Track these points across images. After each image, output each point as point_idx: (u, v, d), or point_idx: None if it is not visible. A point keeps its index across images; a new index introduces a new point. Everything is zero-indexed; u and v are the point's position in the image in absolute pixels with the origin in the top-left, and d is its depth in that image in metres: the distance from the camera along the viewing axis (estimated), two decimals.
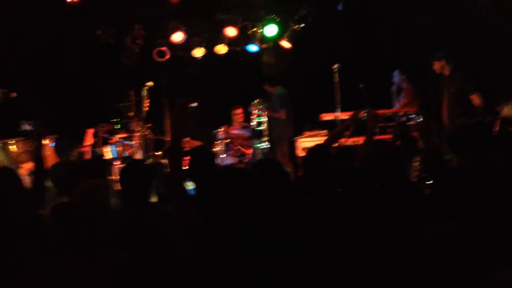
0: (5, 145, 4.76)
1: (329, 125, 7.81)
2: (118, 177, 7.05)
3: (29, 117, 6.71)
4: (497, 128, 5.47)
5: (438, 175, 3.63)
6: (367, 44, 8.42)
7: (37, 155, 3.73)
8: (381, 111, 7.60)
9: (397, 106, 7.99)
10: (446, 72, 6.80)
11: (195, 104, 7.53)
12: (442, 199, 3.30)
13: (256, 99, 8.38)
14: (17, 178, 2.84)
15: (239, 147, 8.23)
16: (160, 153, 8.30)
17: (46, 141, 6.71)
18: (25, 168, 6.44)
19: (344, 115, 7.27)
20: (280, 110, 8.24)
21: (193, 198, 3.36)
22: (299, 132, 8.28)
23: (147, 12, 8.61)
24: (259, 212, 2.61)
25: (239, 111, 8.89)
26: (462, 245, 2.07)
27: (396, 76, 8.17)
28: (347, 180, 3.30)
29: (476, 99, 6.52)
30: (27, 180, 5.15)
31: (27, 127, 6.85)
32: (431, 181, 3.58)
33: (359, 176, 3.32)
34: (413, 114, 7.12)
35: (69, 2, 6.78)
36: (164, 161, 7.71)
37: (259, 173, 3.33)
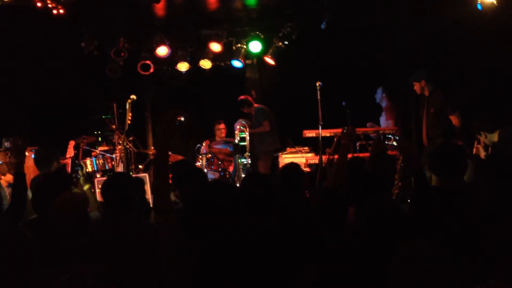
0: None
1: (311, 142, 7.87)
2: (98, 189, 7.03)
3: (10, 130, 6.67)
4: (475, 151, 5.58)
5: (418, 193, 3.68)
6: (350, 61, 8.53)
7: (18, 170, 3.71)
8: (363, 129, 7.69)
9: (384, 126, 8.12)
10: (426, 92, 6.90)
11: (182, 118, 7.59)
12: (420, 217, 3.35)
13: (239, 117, 8.45)
14: None
15: (221, 162, 8.23)
16: (141, 166, 8.28)
17: (26, 153, 6.67)
18: (4, 180, 6.38)
19: (326, 132, 7.34)
20: (262, 122, 8.30)
21: (177, 211, 3.36)
22: (283, 148, 8.34)
23: (132, 25, 8.64)
24: (244, 225, 2.62)
25: (222, 126, 8.92)
26: (437, 261, 2.10)
27: (378, 93, 8.27)
28: (319, 199, 3.33)
29: (455, 119, 6.62)
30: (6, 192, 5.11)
31: (7, 144, 6.81)
32: (410, 199, 3.63)
33: (327, 194, 3.34)
34: (390, 134, 7.20)
35: (55, 14, 6.76)
36: (144, 174, 7.71)
37: (248, 186, 3.36)
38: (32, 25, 7.49)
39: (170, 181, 3.92)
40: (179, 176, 4.19)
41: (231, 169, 8.33)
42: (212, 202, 2.61)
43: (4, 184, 6.26)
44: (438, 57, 7.42)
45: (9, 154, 7.11)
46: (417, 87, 6.97)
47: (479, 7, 6.49)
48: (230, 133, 8.71)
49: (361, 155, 6.92)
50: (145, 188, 5.48)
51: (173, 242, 2.56)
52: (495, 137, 5.40)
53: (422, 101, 7.00)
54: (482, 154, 5.60)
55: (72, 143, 7.25)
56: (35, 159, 5.52)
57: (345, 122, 7.06)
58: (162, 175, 2.72)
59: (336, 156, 5.31)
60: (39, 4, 6.60)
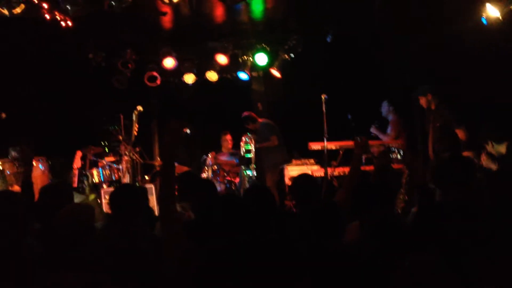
0: (2, 172, 4.78)
1: (317, 154, 7.88)
2: (104, 200, 7.05)
3: (18, 139, 6.72)
4: (482, 163, 5.55)
5: (421, 207, 3.67)
6: (356, 74, 8.55)
7: (26, 180, 3.74)
8: (368, 142, 7.68)
9: (384, 139, 8.09)
10: (432, 106, 6.90)
11: (188, 130, 7.63)
12: (424, 231, 3.34)
13: (245, 129, 8.47)
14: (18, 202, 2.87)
15: (227, 174, 8.25)
16: (147, 177, 8.31)
17: (33, 163, 6.74)
18: (12, 190, 6.43)
19: (331, 145, 7.34)
20: (270, 137, 8.29)
21: (183, 222, 3.37)
22: (289, 160, 8.34)
23: (139, 37, 8.71)
24: (244, 237, 2.63)
25: (228, 137, 8.94)
26: (440, 275, 2.10)
27: (384, 107, 8.27)
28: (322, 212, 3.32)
29: (461, 133, 6.61)
30: None
31: (14, 153, 6.87)
32: (413, 213, 3.63)
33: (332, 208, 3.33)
34: (395, 148, 7.21)
35: (64, 27, 6.84)
36: (150, 185, 7.74)
37: (251, 199, 3.37)
38: (40, 36, 7.56)
39: (176, 192, 3.94)
40: (185, 187, 4.21)
41: (237, 180, 8.35)
42: (217, 214, 2.62)
43: None
44: (443, 71, 7.42)
45: (16, 164, 7.17)
46: (423, 101, 6.98)
47: (483, 21, 6.50)
48: (236, 145, 8.74)
49: (367, 168, 6.92)
50: (149, 198, 5.50)
51: (177, 252, 2.57)
52: (502, 148, 5.37)
53: (428, 115, 7.00)
54: (491, 165, 5.57)
55: (79, 153, 7.30)
56: (51, 168, 5.55)
57: (351, 134, 7.06)
58: (168, 185, 2.76)
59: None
60: (47, 16, 6.67)
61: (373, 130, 8.08)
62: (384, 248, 2.70)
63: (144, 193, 4.72)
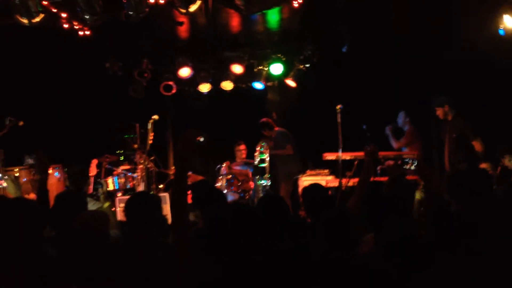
0: (17, 178, 4.85)
1: (331, 165, 7.84)
2: (119, 208, 7.08)
3: (34, 147, 6.78)
4: (497, 175, 5.50)
5: (439, 219, 3.63)
6: (371, 85, 8.52)
7: (41, 187, 3.77)
8: (383, 153, 7.65)
9: (394, 144, 8.09)
10: (449, 117, 6.86)
11: (202, 139, 7.64)
12: (441, 243, 3.30)
13: (260, 138, 8.47)
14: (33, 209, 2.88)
15: (241, 183, 8.24)
16: (162, 186, 8.33)
17: (49, 171, 6.81)
18: (28, 198, 6.49)
19: (346, 155, 7.31)
20: (286, 146, 8.28)
21: (195, 230, 3.37)
22: (303, 170, 8.31)
23: (155, 46, 8.79)
24: (257, 247, 2.62)
25: (242, 147, 8.95)
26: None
27: (400, 118, 8.24)
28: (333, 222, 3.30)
29: (478, 144, 6.55)
30: None
31: (30, 161, 6.94)
32: (429, 225, 3.58)
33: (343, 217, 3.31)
34: (409, 158, 7.16)
35: (81, 36, 6.92)
36: (165, 194, 7.76)
37: (264, 208, 3.37)
38: (57, 45, 7.66)
39: (190, 201, 3.95)
40: (199, 196, 4.22)
41: (251, 189, 8.34)
42: (228, 224, 2.61)
43: None
44: (460, 82, 7.38)
45: (33, 172, 7.25)
46: (440, 112, 6.94)
47: (501, 32, 6.46)
48: (250, 155, 8.74)
49: (382, 179, 6.87)
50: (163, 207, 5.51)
51: (187, 261, 2.56)
52: None
53: (445, 126, 6.95)
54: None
55: (95, 161, 7.35)
56: (69, 176, 5.60)
57: (366, 145, 7.02)
58: (180, 193, 2.75)
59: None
60: (65, 26, 6.75)
61: (388, 130, 8.08)
62: (400, 261, 2.66)
63: (159, 201, 4.74)
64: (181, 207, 2.74)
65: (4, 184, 6.78)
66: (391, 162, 7.53)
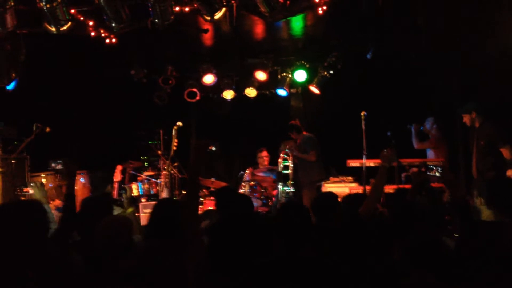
0: (43, 185, 4.89)
1: (355, 172, 7.78)
2: (142, 213, 7.12)
3: (61, 152, 6.89)
4: None
5: (464, 228, 3.56)
6: (396, 91, 8.44)
7: (69, 192, 3.80)
8: (408, 160, 7.56)
9: (415, 143, 8.03)
10: (477, 124, 6.74)
11: (213, 148, 7.66)
12: (468, 252, 3.23)
13: (283, 142, 8.44)
14: (43, 212, 2.89)
15: (264, 190, 8.23)
16: (185, 192, 8.37)
17: (76, 176, 6.90)
18: (53, 204, 6.58)
19: (370, 162, 7.24)
20: (310, 152, 8.23)
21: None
22: (326, 177, 8.26)
23: (180, 53, 8.86)
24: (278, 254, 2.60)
25: (265, 153, 8.94)
26: None
27: (428, 123, 8.15)
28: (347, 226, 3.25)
29: (506, 152, 6.42)
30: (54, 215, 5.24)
31: (56, 166, 7.05)
32: (457, 234, 3.52)
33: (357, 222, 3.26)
34: (434, 165, 7.04)
35: (108, 43, 7.02)
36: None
37: (285, 215, 3.35)
38: (84, 53, 7.78)
39: (214, 206, 3.96)
40: (223, 202, 4.22)
41: (274, 195, 8.32)
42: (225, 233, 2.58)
43: (52, 207, 6.45)
44: (489, 88, 7.24)
45: (58, 178, 7.36)
46: (467, 119, 6.82)
47: None
48: (273, 161, 8.72)
49: (406, 186, 6.78)
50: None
51: (199, 268, 2.56)
52: None
53: (472, 133, 6.83)
54: None
55: (119, 167, 7.43)
56: (90, 181, 5.67)
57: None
58: (191, 200, 2.88)
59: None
60: (92, 34, 6.86)
61: (413, 128, 8.01)
62: (425, 272, 2.61)
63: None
64: (192, 215, 2.85)
65: (31, 191, 6.88)
66: (415, 169, 7.43)
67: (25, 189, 6.91)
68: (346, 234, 2.97)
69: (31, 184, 6.87)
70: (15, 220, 2.70)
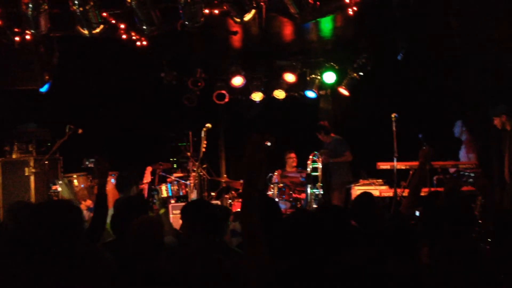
0: (70, 182, 4.98)
1: (385, 174, 7.70)
2: (172, 215, 7.16)
3: (92, 153, 6.98)
4: None
5: (498, 233, 3.48)
6: (428, 93, 8.32)
7: (101, 192, 3.83)
8: (440, 163, 7.44)
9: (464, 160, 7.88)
10: (508, 127, 6.60)
11: (269, 143, 7.59)
12: (501, 259, 3.16)
13: (311, 147, 8.40)
14: (77, 212, 2.93)
15: (292, 192, 8.21)
16: (214, 193, 8.41)
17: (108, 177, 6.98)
18: (84, 204, 6.68)
19: (401, 165, 7.15)
20: (345, 152, 8.17)
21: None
22: (356, 180, 8.19)
23: (209, 56, 8.91)
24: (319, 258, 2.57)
25: (293, 155, 8.91)
26: None
27: (457, 127, 8.02)
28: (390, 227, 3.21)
29: None
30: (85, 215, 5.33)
31: (89, 164, 7.15)
32: (491, 240, 3.45)
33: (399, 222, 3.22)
34: (466, 168, 6.94)
35: (139, 46, 7.11)
36: (216, 202, 7.83)
37: (324, 217, 3.32)
38: (116, 56, 7.89)
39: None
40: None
41: (303, 197, 8.29)
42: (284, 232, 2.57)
43: (83, 208, 6.56)
44: None
45: (90, 178, 7.47)
46: (497, 121, 6.70)
47: None
48: (301, 163, 8.69)
49: (439, 189, 6.68)
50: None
51: (263, 274, 2.44)
52: None
53: (504, 136, 6.70)
54: None
55: (149, 169, 7.50)
56: (116, 182, 5.73)
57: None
58: (250, 203, 2.46)
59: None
60: (124, 36, 6.95)
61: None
62: (459, 278, 2.57)
63: (216, 209, 4.77)
64: (252, 216, 2.39)
65: (59, 189, 7.00)
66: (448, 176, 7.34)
67: (53, 187, 7.02)
68: (398, 238, 2.91)
69: (59, 182, 7.00)
70: (50, 219, 2.73)
